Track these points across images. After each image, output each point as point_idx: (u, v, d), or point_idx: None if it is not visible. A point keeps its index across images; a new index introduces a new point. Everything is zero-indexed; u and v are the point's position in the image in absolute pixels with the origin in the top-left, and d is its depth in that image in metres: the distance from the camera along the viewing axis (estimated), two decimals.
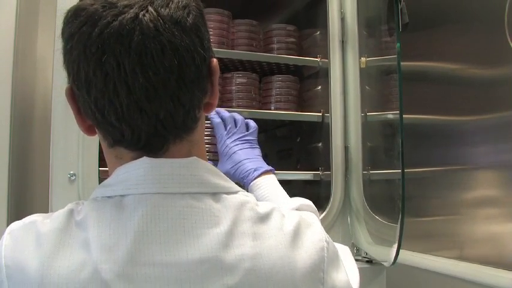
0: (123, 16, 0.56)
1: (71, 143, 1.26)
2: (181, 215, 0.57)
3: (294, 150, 1.95)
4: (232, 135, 1.14)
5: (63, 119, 1.26)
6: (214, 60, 0.65)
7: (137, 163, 0.59)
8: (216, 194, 0.60)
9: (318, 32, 1.76)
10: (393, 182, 1.34)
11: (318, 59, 1.67)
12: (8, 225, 0.61)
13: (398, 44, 1.20)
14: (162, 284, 0.54)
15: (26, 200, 1.54)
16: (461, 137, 1.33)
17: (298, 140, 1.91)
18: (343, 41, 1.64)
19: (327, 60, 1.64)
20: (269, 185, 1.05)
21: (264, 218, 0.60)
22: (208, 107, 0.65)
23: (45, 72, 1.57)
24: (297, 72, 1.78)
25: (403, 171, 1.18)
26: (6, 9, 1.31)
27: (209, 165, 0.62)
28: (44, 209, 1.28)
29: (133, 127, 0.58)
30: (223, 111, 1.19)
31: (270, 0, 1.85)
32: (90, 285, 0.53)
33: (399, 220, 1.17)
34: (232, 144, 1.13)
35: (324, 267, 0.60)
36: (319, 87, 1.73)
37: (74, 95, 0.62)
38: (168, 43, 0.57)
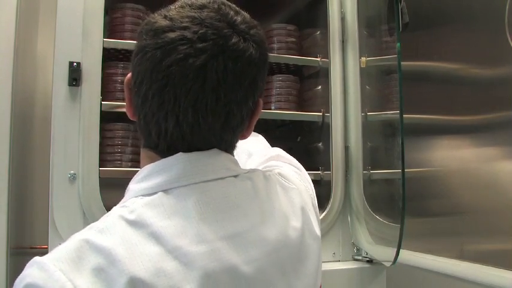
0: (194, 60, 0.61)
1: (71, 143, 1.26)
2: (223, 195, 0.65)
3: (294, 150, 1.95)
4: None
5: (63, 118, 1.26)
6: (260, 102, 0.72)
7: (173, 160, 0.65)
8: (237, 176, 0.69)
9: (318, 32, 1.75)
10: (393, 181, 1.34)
11: (318, 59, 1.67)
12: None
13: (398, 44, 1.20)
14: (233, 252, 0.62)
15: (26, 199, 1.54)
16: (462, 136, 1.33)
17: (298, 140, 1.91)
18: (343, 41, 1.64)
19: (327, 60, 1.64)
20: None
21: (280, 181, 0.74)
22: (242, 137, 0.73)
23: (45, 71, 1.57)
24: (297, 72, 1.78)
25: (403, 171, 1.18)
26: (6, 9, 1.31)
27: (228, 154, 0.69)
28: (44, 208, 1.27)
29: (170, 145, 0.65)
30: None
31: (271, 0, 1.85)
32: (177, 274, 0.57)
33: (400, 220, 1.17)
34: None
35: (309, 189, 0.81)
36: (320, 87, 1.73)
37: (130, 88, 0.68)
38: (224, 97, 0.63)
